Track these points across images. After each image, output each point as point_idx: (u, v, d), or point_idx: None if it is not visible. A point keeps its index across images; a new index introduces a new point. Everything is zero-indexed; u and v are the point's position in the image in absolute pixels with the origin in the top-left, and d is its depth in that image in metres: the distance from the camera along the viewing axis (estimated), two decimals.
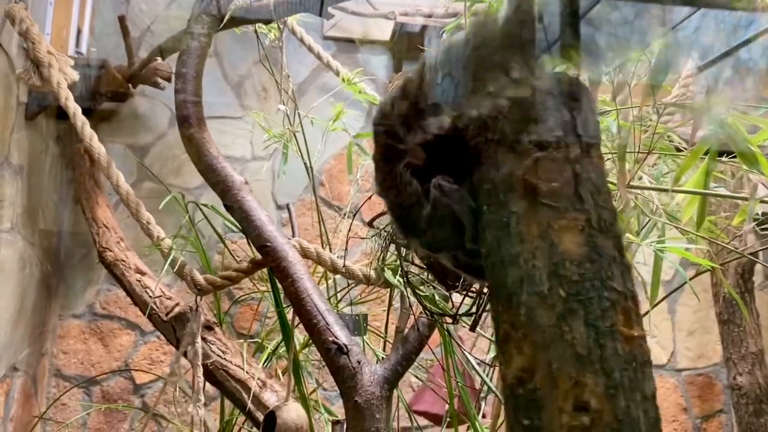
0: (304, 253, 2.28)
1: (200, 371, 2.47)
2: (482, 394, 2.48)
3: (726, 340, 3.49)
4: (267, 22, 2.54)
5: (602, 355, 0.86)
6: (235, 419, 2.93)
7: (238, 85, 3.88)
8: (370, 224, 1.81)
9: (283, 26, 2.97)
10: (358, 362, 2.00)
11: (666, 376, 3.94)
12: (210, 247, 3.54)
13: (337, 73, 3.27)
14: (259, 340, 2.87)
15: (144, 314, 2.78)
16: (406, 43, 3.79)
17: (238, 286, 3.43)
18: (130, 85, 3.37)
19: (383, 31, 3.87)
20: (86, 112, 3.60)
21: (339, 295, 2.77)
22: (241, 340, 2.72)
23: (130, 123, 3.77)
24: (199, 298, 2.41)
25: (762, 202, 1.32)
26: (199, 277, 2.38)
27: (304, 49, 3.39)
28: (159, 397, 3.16)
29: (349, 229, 2.07)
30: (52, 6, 3.19)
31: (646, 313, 2.65)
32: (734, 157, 1.21)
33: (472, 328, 1.56)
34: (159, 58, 2.99)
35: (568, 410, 0.82)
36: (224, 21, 2.30)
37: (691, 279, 2.31)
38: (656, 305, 2.57)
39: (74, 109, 2.53)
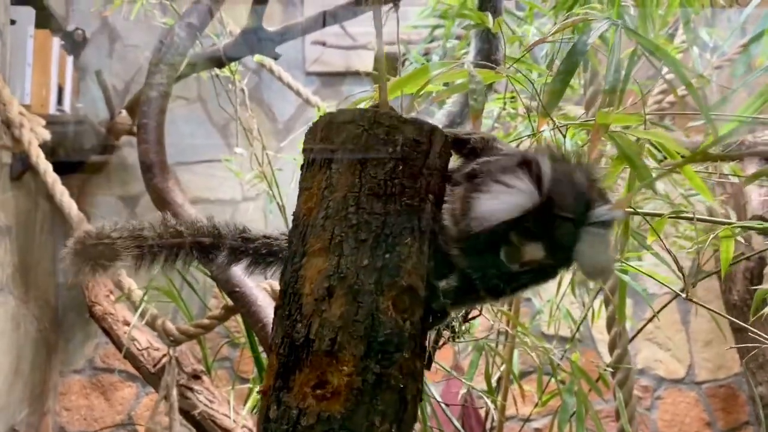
0: (276, 295, 2.23)
1: (176, 425, 2.41)
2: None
3: (741, 349, 3.35)
4: (220, 65, 2.53)
5: None
6: None
7: (224, 127, 3.88)
8: None
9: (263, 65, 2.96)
10: None
11: (685, 389, 3.79)
12: (206, 290, 3.52)
13: (318, 108, 3.26)
14: (250, 386, 2.82)
15: (133, 367, 2.75)
16: (389, 71, 3.77)
17: (237, 329, 3.39)
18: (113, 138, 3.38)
19: (364, 61, 3.85)
20: (76, 165, 3.67)
21: None
22: (229, 387, 2.67)
23: (119, 174, 3.79)
24: (173, 349, 2.37)
25: (676, 217, 1.24)
26: (171, 328, 2.35)
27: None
28: None
29: None
30: (30, 67, 3.23)
31: (644, 326, 2.54)
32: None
33: (428, 366, 1.50)
34: (122, 112, 3.00)
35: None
36: (181, 68, 2.29)
37: (702, 279, 2.22)
38: (652, 319, 2.46)
39: (45, 167, 2.54)
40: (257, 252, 1.33)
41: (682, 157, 1.04)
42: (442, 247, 1.10)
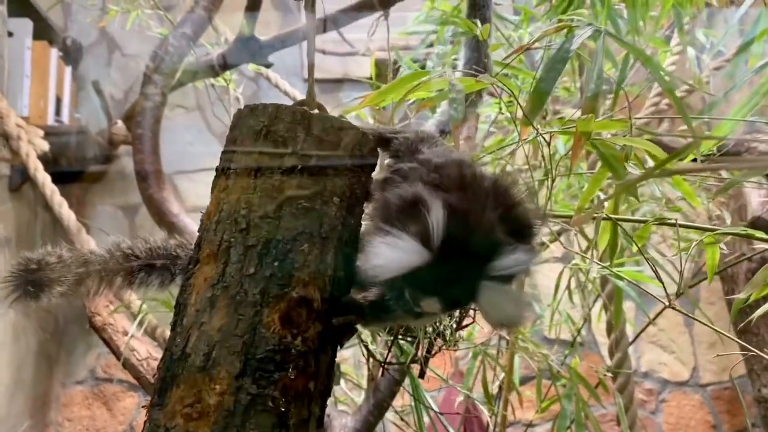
0: None
1: None
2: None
3: (745, 350, 3.32)
4: (214, 74, 2.54)
5: None
6: None
7: (222, 135, 3.88)
8: None
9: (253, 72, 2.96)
10: (327, 415, 1.92)
11: (690, 392, 3.77)
12: None
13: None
14: None
15: (133, 377, 2.75)
16: (386, 77, 3.77)
17: None
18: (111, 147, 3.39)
19: (362, 68, 3.85)
20: (76, 175, 3.68)
21: None
22: None
23: (119, 183, 3.79)
24: None
25: (662, 223, 1.23)
26: None
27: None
28: None
29: None
30: (28, 78, 3.24)
31: (642, 330, 2.52)
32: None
33: (421, 376, 1.49)
34: (118, 122, 3.00)
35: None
36: (176, 78, 2.30)
37: (691, 287, 2.20)
38: (648, 325, 2.45)
39: (43, 178, 2.55)
40: None
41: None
42: (359, 256, 0.99)
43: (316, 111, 1.11)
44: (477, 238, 0.88)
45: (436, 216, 0.86)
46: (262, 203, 0.95)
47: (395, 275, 0.89)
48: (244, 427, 0.90)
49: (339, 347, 1.04)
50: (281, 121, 0.98)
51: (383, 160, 1.11)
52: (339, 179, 0.97)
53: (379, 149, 1.07)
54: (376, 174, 1.07)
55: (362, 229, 1.03)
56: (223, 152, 1.04)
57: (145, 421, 0.97)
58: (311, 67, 1.15)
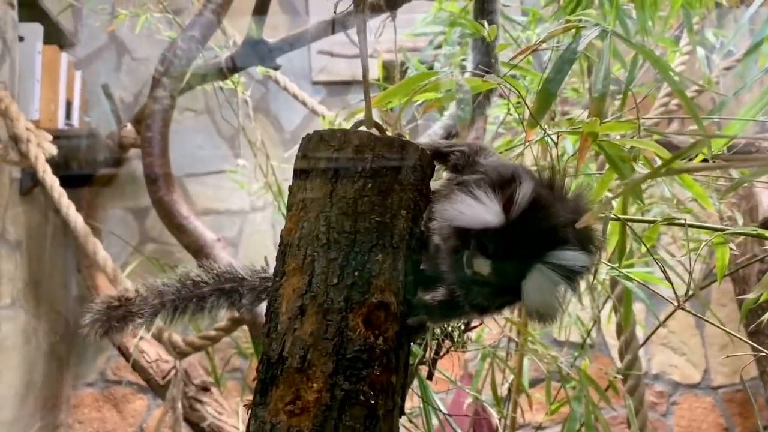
0: None
1: None
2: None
3: (757, 351, 3.29)
4: (222, 77, 2.54)
5: None
6: None
7: (231, 138, 3.90)
8: None
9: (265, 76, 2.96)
10: None
11: (701, 395, 3.74)
12: None
13: (323, 117, 3.26)
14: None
15: (143, 379, 2.76)
16: (393, 79, 3.77)
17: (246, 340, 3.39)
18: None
19: (371, 69, 3.85)
20: (86, 179, 3.70)
21: None
22: (239, 399, 2.67)
23: (129, 186, 3.81)
24: (180, 361, 2.37)
25: (671, 223, 1.22)
26: (178, 339, 2.35)
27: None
28: None
29: None
30: (39, 82, 3.26)
31: (652, 333, 2.51)
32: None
33: (429, 377, 1.48)
34: (128, 125, 3.02)
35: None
36: (184, 82, 2.30)
37: (702, 288, 2.19)
38: (658, 328, 2.43)
39: (51, 181, 2.56)
40: None
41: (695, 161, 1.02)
42: (425, 262, 1.10)
43: (374, 129, 1.21)
44: (550, 224, 0.96)
45: (525, 191, 0.94)
46: (339, 220, 1.07)
47: (467, 226, 0.98)
48: (340, 420, 1.02)
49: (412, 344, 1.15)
50: (350, 145, 1.09)
51: (440, 173, 1.21)
52: (405, 194, 1.10)
53: (436, 162, 1.16)
54: (434, 184, 1.17)
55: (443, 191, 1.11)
56: (295, 175, 1.15)
57: (249, 418, 1.09)
58: (366, 89, 1.18)
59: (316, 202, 1.08)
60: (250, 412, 1.09)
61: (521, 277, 0.97)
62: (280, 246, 1.13)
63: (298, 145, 1.16)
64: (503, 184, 0.98)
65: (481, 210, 0.95)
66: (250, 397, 1.14)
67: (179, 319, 1.34)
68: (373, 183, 1.07)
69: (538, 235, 0.95)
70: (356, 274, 1.05)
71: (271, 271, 1.32)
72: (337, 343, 1.04)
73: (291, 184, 1.15)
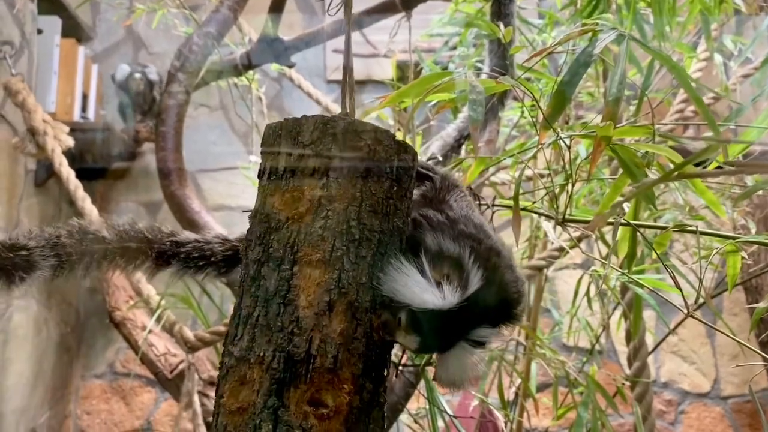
0: None
1: (203, 430, 2.42)
2: None
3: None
4: (237, 74, 2.55)
5: None
6: None
7: (245, 134, 3.91)
8: None
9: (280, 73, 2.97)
10: None
11: (710, 404, 3.71)
12: (224, 298, 3.54)
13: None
14: None
15: (151, 372, 2.77)
16: (407, 79, 3.77)
17: None
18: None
19: (385, 69, 3.85)
20: (100, 172, 3.73)
21: None
22: None
23: (142, 180, 3.83)
24: (191, 355, 2.38)
25: (682, 230, 1.20)
26: (188, 334, 2.36)
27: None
28: None
29: None
30: (56, 75, 3.29)
31: (662, 340, 2.48)
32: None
33: (435, 379, 1.48)
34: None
35: None
36: (199, 77, 2.31)
37: (713, 297, 2.17)
38: (668, 335, 2.40)
39: (67, 173, 2.58)
40: (189, 256, 1.29)
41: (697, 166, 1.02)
42: None
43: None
44: (485, 306, 0.98)
45: (473, 281, 0.96)
46: (369, 217, 1.02)
47: (407, 303, 0.97)
48: (366, 423, 1.00)
49: None
50: (381, 144, 1.04)
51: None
52: (411, 203, 1.09)
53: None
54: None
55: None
56: (315, 155, 1.05)
57: (237, 422, 0.99)
58: (348, 86, 1.17)
59: (343, 194, 1.01)
60: (248, 415, 0.98)
61: (442, 351, 1.00)
62: (273, 229, 1.03)
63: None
64: (454, 265, 0.98)
65: (429, 294, 0.95)
66: None
67: (73, 274, 1.22)
68: (398, 186, 1.04)
69: (472, 318, 0.97)
70: (380, 275, 1.01)
71: (183, 237, 1.28)
72: (365, 344, 1.00)
73: (269, 166, 1.06)
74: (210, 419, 2.61)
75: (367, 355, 1.00)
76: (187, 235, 1.32)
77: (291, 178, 1.04)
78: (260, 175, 1.11)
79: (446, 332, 0.97)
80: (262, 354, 0.99)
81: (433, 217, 1.06)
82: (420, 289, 0.95)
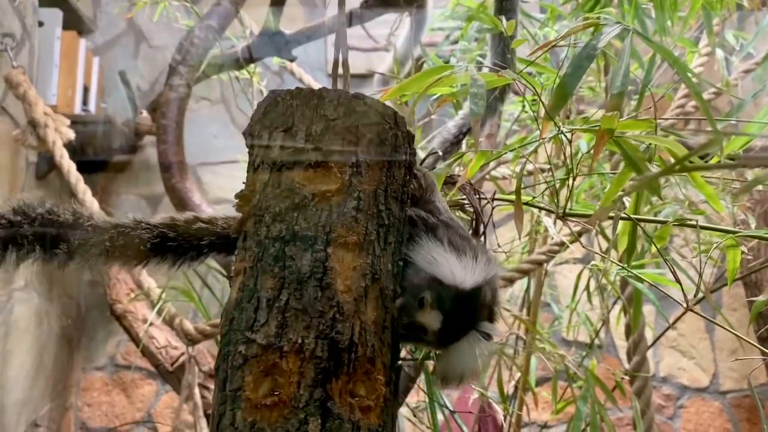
0: None
1: (203, 422, 2.43)
2: None
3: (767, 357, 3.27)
4: (238, 67, 2.55)
5: None
6: None
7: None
8: None
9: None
10: None
11: (709, 399, 3.72)
12: (225, 291, 3.55)
13: None
14: None
15: (152, 364, 2.78)
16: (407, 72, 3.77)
17: None
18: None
19: (386, 63, 3.85)
20: (101, 164, 3.73)
21: None
22: None
23: (143, 173, 3.83)
24: (192, 348, 2.38)
25: (682, 224, 1.21)
26: (189, 326, 2.36)
27: None
28: None
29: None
30: (57, 67, 3.29)
31: (661, 335, 2.49)
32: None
33: (434, 372, 1.48)
34: (143, 112, 3.04)
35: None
36: (200, 71, 2.31)
37: (713, 291, 2.17)
38: (667, 330, 2.41)
39: (68, 166, 2.59)
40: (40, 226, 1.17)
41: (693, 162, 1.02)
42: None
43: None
44: (486, 299, 1.02)
45: (489, 272, 1.01)
46: (393, 204, 0.99)
47: (436, 279, 0.98)
48: (389, 416, 0.95)
49: None
50: (399, 129, 1.01)
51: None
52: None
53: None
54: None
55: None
56: (346, 138, 0.98)
57: (279, 416, 0.90)
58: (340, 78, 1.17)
59: (372, 176, 0.95)
60: (295, 409, 0.88)
61: (458, 337, 1.00)
62: (301, 205, 0.94)
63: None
64: (477, 251, 1.03)
65: (457, 267, 0.97)
66: None
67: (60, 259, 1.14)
68: (409, 174, 1.03)
69: (482, 307, 1.01)
70: (399, 264, 0.98)
71: (125, 221, 1.16)
72: (392, 334, 0.95)
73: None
74: (209, 411, 2.62)
75: (394, 346, 0.97)
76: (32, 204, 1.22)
77: (313, 151, 0.95)
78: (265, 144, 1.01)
79: (466, 312, 0.99)
80: (299, 341, 0.89)
81: (428, 219, 1.07)
82: (450, 264, 0.97)
